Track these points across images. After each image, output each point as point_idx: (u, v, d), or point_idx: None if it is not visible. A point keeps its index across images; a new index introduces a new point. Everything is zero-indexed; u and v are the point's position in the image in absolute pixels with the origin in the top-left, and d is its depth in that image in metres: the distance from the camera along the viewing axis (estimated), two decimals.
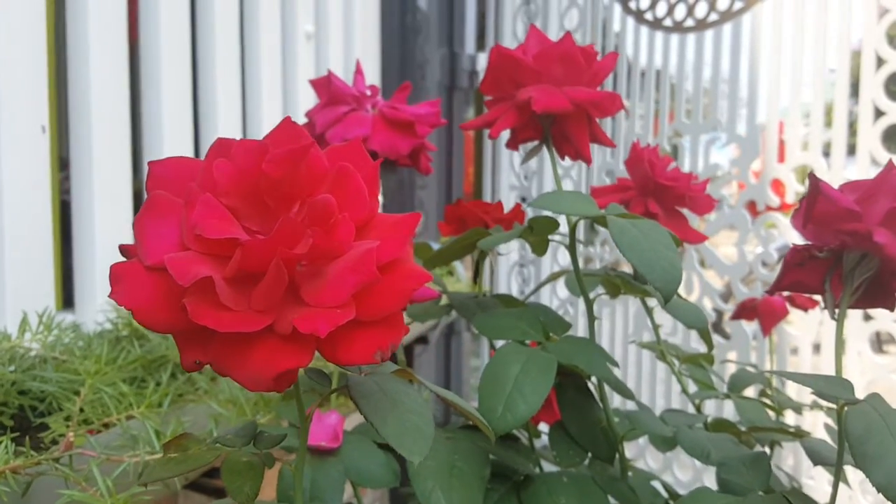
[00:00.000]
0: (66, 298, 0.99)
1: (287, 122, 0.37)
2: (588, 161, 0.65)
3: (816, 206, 0.52)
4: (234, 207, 0.35)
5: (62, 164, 1.07)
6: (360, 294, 0.34)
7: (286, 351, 0.33)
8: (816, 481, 1.29)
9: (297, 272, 0.34)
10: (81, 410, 0.67)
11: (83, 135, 0.96)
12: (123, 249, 0.36)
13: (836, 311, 0.54)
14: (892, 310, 0.56)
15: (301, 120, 1.32)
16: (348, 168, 0.36)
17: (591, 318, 0.67)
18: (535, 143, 0.68)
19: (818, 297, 0.57)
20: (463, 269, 1.70)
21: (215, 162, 0.35)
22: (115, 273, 0.33)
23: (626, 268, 1.26)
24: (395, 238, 0.35)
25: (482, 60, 1.87)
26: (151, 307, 0.33)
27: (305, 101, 1.36)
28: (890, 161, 0.52)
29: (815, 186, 0.52)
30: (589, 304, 0.66)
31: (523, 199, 1.78)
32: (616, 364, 0.63)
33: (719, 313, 1.50)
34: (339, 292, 0.33)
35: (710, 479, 1.38)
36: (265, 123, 1.27)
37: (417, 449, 0.38)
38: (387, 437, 0.38)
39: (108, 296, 0.33)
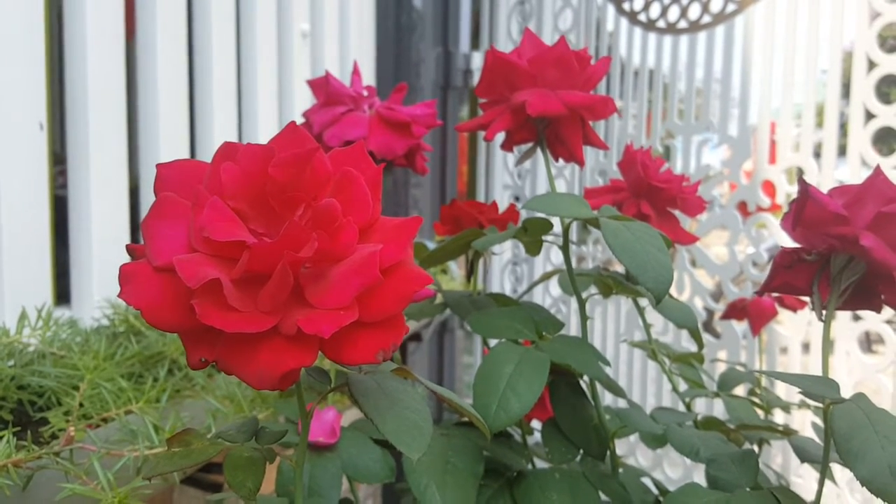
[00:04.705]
0: (60, 294, 1.00)
1: (292, 127, 0.38)
2: (581, 163, 0.66)
3: (805, 210, 0.53)
4: (241, 210, 0.36)
5: (56, 158, 1.08)
6: (363, 296, 0.35)
7: (291, 351, 0.34)
8: (804, 479, 1.31)
9: (301, 274, 0.35)
10: (81, 405, 0.68)
11: (80, 131, 0.97)
12: (130, 249, 0.37)
13: (824, 312, 0.56)
14: (878, 311, 0.57)
15: (297, 118, 1.33)
16: (352, 173, 0.37)
17: (584, 318, 0.68)
18: (530, 144, 0.69)
19: (807, 299, 0.58)
20: (457, 267, 1.71)
21: (222, 165, 0.36)
22: (125, 273, 0.34)
23: (618, 266, 1.27)
24: (397, 241, 0.37)
25: (477, 59, 1.88)
26: (160, 307, 0.34)
27: (301, 98, 1.37)
28: (877, 166, 0.53)
29: (805, 191, 0.53)
30: (582, 304, 0.68)
31: (517, 199, 1.79)
32: (608, 363, 0.64)
33: (710, 312, 1.51)
34: (342, 294, 0.34)
35: (699, 477, 1.38)
36: (261, 120, 1.28)
37: (416, 445, 0.39)
38: (386, 434, 0.39)
39: (118, 295, 0.34)
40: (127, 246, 0.37)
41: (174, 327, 0.34)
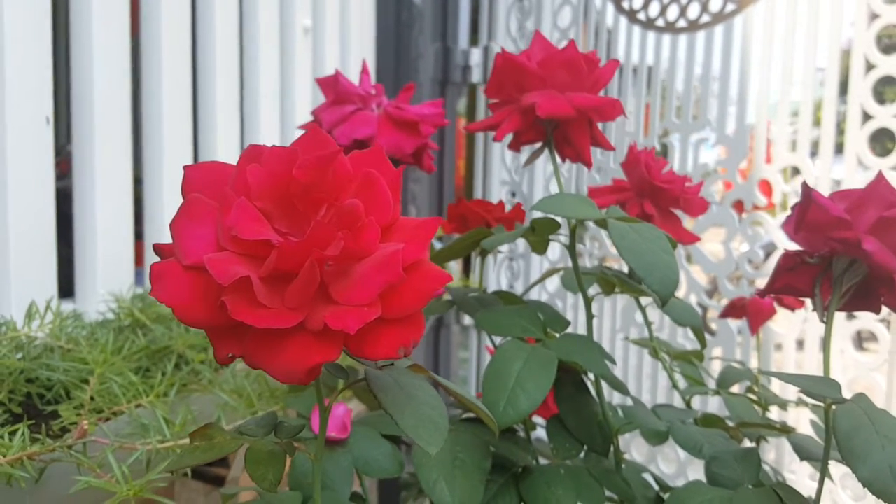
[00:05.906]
0: (61, 287, 1.01)
1: (314, 130, 0.39)
2: (589, 164, 0.67)
3: (808, 213, 0.54)
4: (266, 210, 0.37)
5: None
6: (386, 293, 0.36)
7: (317, 346, 0.35)
8: (797, 476, 1.32)
9: (325, 272, 0.36)
10: (92, 399, 0.69)
11: (85, 126, 0.97)
12: (158, 248, 0.38)
13: (825, 313, 0.57)
14: (877, 312, 0.58)
15: (299, 113, 1.33)
16: (374, 174, 0.38)
17: (590, 316, 0.69)
18: (537, 144, 0.70)
19: (806, 299, 0.59)
20: (454, 263, 1.72)
21: (248, 167, 0.37)
22: (155, 272, 0.35)
23: (615, 263, 1.27)
24: (417, 240, 0.38)
25: (475, 55, 1.88)
26: (190, 304, 0.35)
27: (302, 94, 1.37)
28: (880, 172, 0.54)
29: (808, 195, 0.54)
30: (588, 303, 0.69)
31: (513, 194, 1.80)
32: (613, 361, 0.65)
33: (704, 309, 1.52)
34: (366, 291, 0.35)
35: (693, 473, 1.41)
36: (263, 114, 1.29)
37: (433, 440, 0.40)
38: (405, 428, 0.40)
39: (149, 293, 0.35)
40: (154, 245, 0.38)
41: (203, 323, 0.35)
